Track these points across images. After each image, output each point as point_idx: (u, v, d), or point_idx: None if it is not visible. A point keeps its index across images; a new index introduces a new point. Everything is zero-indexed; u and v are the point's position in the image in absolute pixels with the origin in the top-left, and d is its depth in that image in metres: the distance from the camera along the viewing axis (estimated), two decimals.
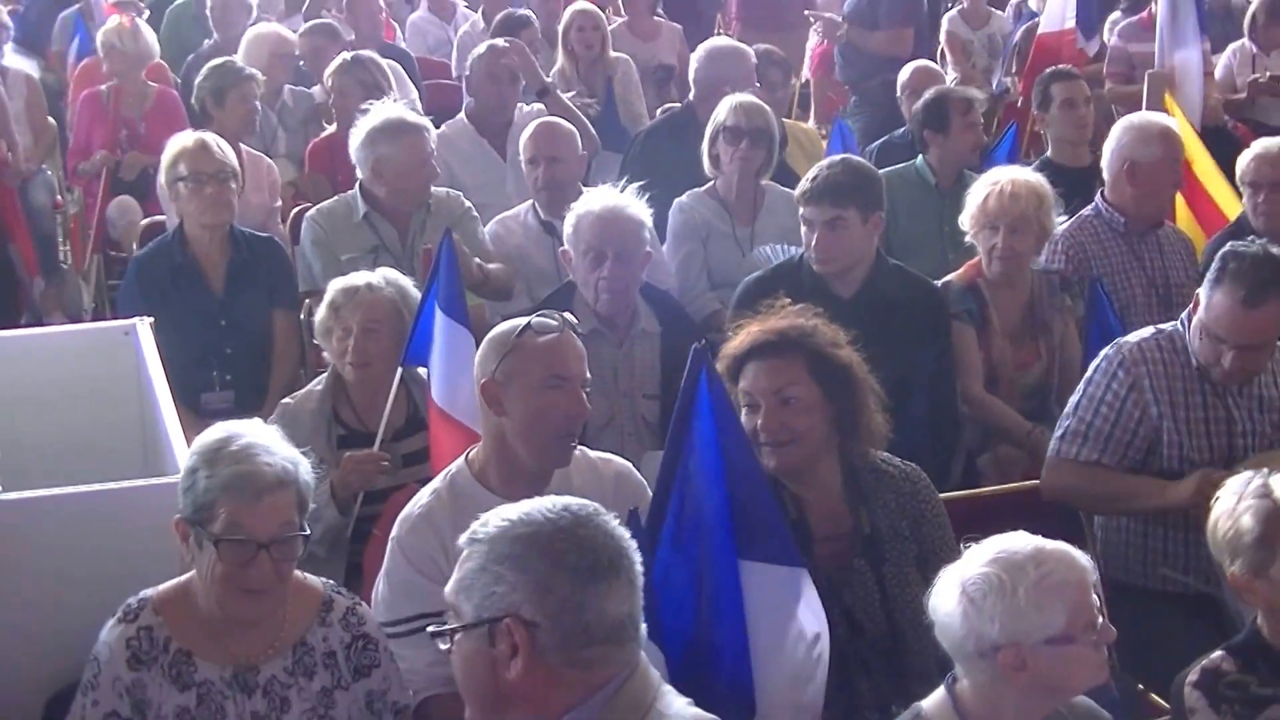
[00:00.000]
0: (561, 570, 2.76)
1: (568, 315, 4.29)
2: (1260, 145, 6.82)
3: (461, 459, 4.33)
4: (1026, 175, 6.11)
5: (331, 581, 4.02)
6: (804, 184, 5.83)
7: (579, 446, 4.40)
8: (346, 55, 8.42)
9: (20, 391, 4.88)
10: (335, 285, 5.41)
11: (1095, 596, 3.45)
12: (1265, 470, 3.93)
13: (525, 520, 2.81)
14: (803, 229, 5.84)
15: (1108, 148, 6.68)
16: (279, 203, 7.79)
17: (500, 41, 8.26)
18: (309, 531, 3.81)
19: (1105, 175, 6.68)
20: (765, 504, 3.98)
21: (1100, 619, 3.44)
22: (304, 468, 3.78)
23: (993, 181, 6.01)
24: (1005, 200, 5.91)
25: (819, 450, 4.35)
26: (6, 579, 4.25)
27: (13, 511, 4.30)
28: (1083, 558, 3.47)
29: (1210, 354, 4.90)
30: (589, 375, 4.25)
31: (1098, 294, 6.00)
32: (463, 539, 2.84)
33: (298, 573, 3.85)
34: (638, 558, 2.86)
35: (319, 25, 9.88)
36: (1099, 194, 6.70)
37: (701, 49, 8.31)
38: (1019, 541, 3.45)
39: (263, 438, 3.75)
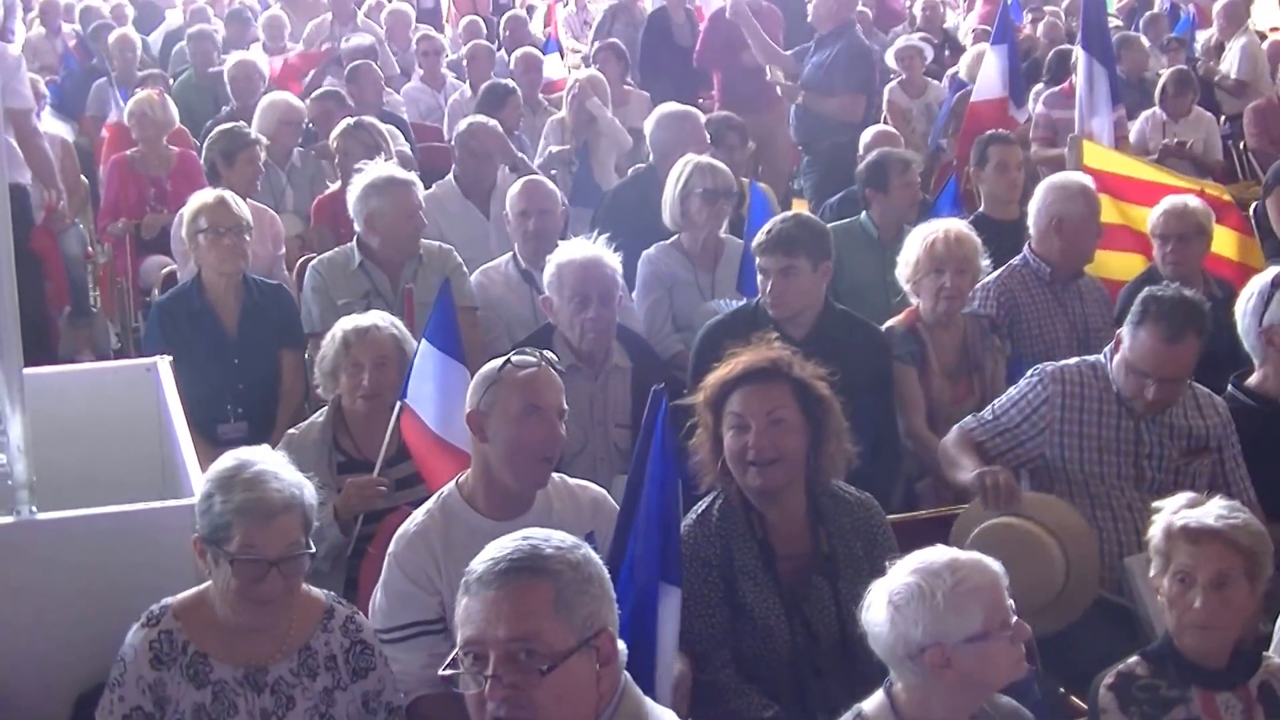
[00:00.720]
0: (611, 587, 2.85)
1: (547, 353, 4.33)
2: (1168, 201, 6.86)
3: (452, 483, 4.35)
4: (960, 224, 6.17)
5: (333, 593, 4.05)
6: (760, 236, 5.87)
7: (560, 475, 4.44)
8: (350, 120, 8.47)
9: (53, 422, 4.87)
10: (344, 325, 5.41)
11: (1008, 598, 3.49)
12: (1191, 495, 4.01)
13: (579, 545, 2.85)
14: (759, 276, 5.88)
15: (1034, 205, 6.73)
16: (282, 250, 7.82)
17: (479, 121, 8.29)
18: (314, 549, 3.83)
19: (1032, 230, 6.71)
20: (677, 535, 4.08)
21: (1014, 618, 3.48)
22: (309, 491, 3.82)
23: (930, 231, 6.04)
24: (952, 245, 5.96)
25: (797, 471, 4.38)
26: (41, 591, 4.29)
27: (46, 530, 4.34)
28: (994, 564, 3.51)
29: (1135, 387, 4.98)
30: (566, 406, 4.27)
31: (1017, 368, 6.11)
32: (479, 571, 2.82)
33: (303, 585, 3.88)
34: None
35: (326, 93, 9.98)
36: (1026, 246, 6.72)
37: (655, 115, 8.37)
38: (936, 554, 3.51)
39: (272, 465, 3.79)
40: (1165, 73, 11.26)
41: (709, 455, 4.41)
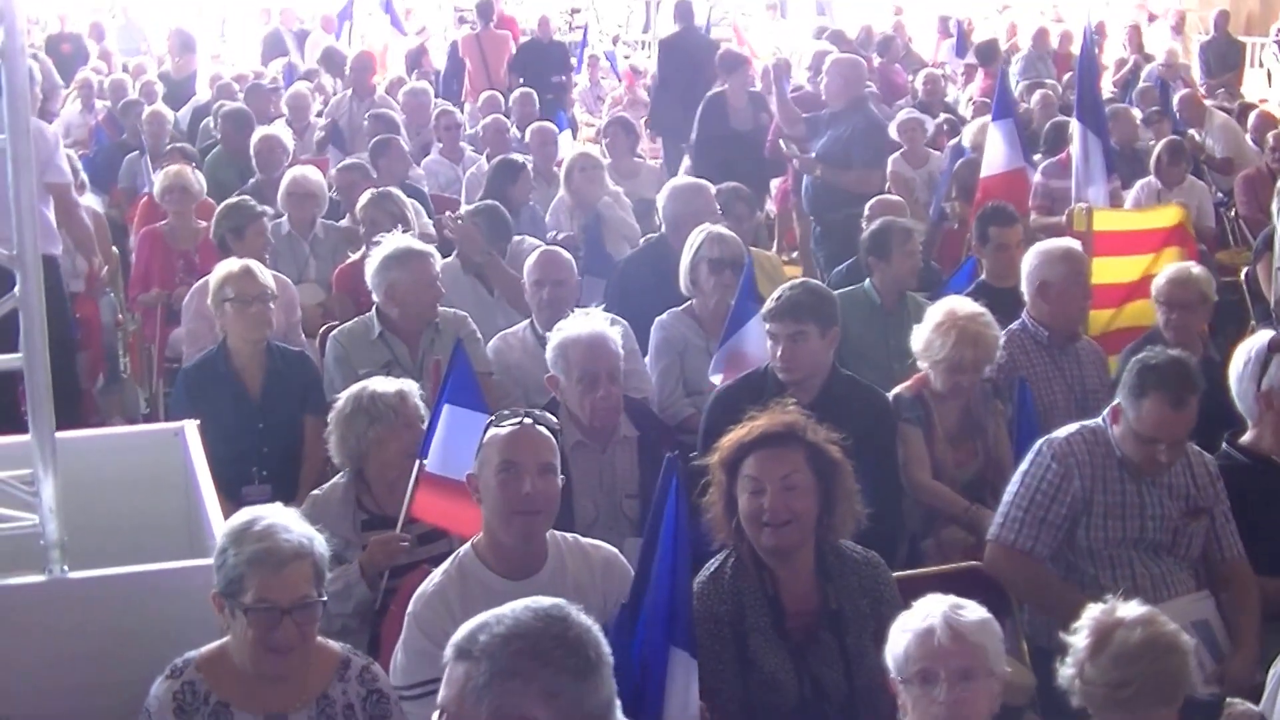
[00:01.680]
0: (562, 674, 2.72)
1: (543, 413, 4.39)
2: (1174, 269, 6.90)
3: (469, 544, 4.37)
4: (987, 320, 6.08)
5: (348, 645, 4.09)
6: (769, 303, 5.88)
7: (573, 535, 4.46)
8: (374, 190, 8.53)
9: (85, 484, 4.90)
10: (382, 388, 5.36)
11: (953, 656, 3.62)
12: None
13: (518, 633, 2.75)
14: (768, 342, 5.89)
15: (1023, 273, 6.78)
16: (298, 315, 7.84)
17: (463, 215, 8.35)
18: (325, 598, 3.87)
19: (1026, 296, 6.74)
20: (689, 599, 4.07)
21: (942, 680, 3.62)
22: (319, 543, 3.86)
23: (961, 328, 5.96)
24: (981, 350, 5.96)
25: (810, 532, 4.40)
26: (74, 645, 4.33)
27: (77, 589, 4.39)
28: (959, 623, 3.65)
29: (1146, 454, 4.99)
30: (552, 461, 4.26)
31: (1024, 394, 6.08)
32: (449, 652, 2.80)
33: (320, 638, 3.92)
34: (604, 641, 2.84)
35: (352, 164, 10.00)
36: (1024, 311, 6.75)
37: (667, 187, 8.42)
38: (937, 598, 3.65)
39: (281, 518, 3.84)
40: (1160, 143, 11.33)
41: (722, 514, 4.44)
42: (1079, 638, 3.88)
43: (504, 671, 2.72)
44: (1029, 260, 6.77)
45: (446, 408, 5.10)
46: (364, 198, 8.49)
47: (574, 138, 14.09)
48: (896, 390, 6.14)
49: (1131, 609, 3.87)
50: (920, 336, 6.09)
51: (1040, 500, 5.07)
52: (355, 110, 12.83)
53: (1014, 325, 6.67)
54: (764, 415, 4.51)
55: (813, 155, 10.38)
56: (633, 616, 4.01)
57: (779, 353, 5.79)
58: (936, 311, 6.11)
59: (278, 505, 3.99)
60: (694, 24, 14.03)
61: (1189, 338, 6.58)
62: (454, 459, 4.99)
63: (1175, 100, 14.51)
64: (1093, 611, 3.90)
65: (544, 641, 2.74)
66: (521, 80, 15.00)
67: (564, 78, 15.70)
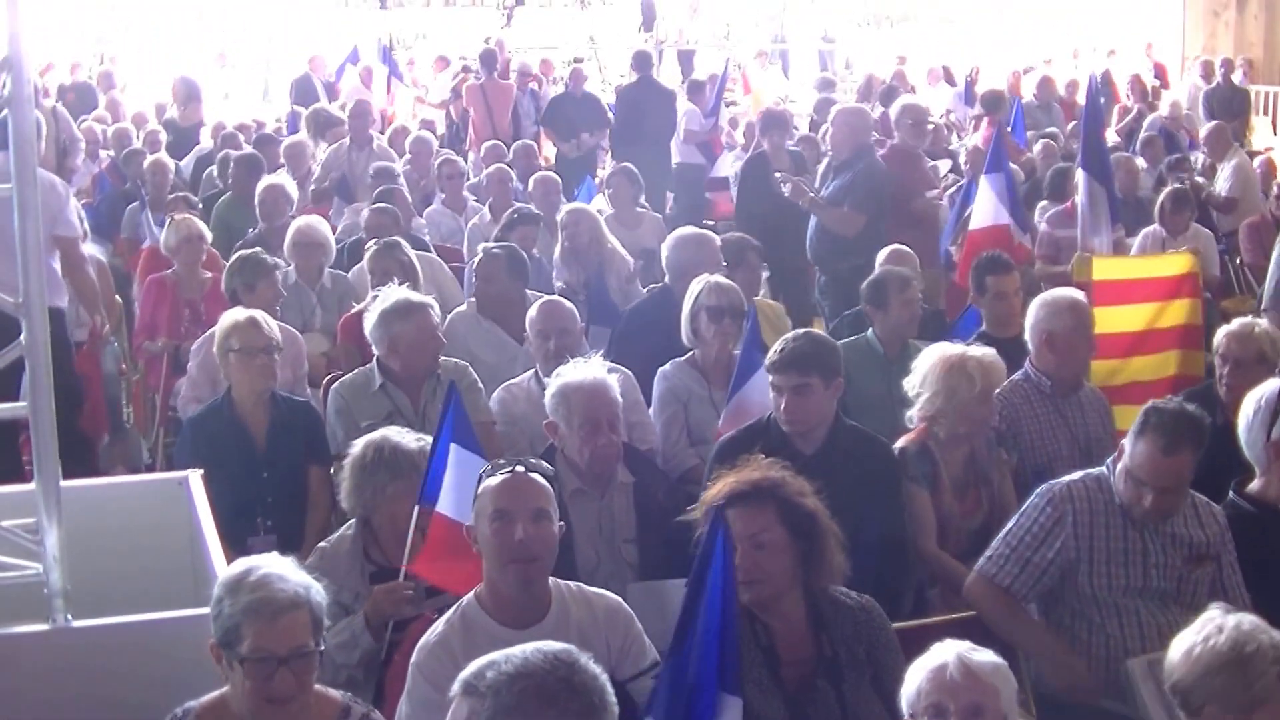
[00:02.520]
0: (565, 716, 2.77)
1: (536, 460, 4.43)
2: (1237, 323, 6.76)
3: (471, 593, 4.38)
4: (978, 348, 6.12)
5: (349, 694, 4.09)
6: (772, 354, 5.87)
7: (577, 584, 4.47)
8: (382, 240, 8.58)
9: (89, 534, 4.92)
10: (406, 443, 5.36)
11: (964, 691, 3.66)
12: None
13: (524, 672, 2.80)
14: (771, 394, 5.88)
15: (1028, 323, 6.77)
16: (305, 369, 7.86)
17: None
18: (324, 647, 3.88)
19: (1030, 347, 6.74)
20: (737, 646, 4.03)
21: (952, 714, 3.67)
22: (316, 591, 3.87)
23: (976, 361, 5.97)
24: (999, 375, 6.02)
25: (787, 586, 4.40)
26: (77, 693, 4.33)
27: (81, 637, 4.41)
28: (973, 662, 3.71)
29: (1133, 495, 5.00)
30: (546, 507, 4.29)
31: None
32: (456, 687, 2.84)
33: (318, 686, 3.92)
34: (610, 689, 2.87)
35: (383, 208, 10.01)
36: (1027, 360, 6.74)
37: (671, 238, 8.46)
38: (953, 641, 3.75)
39: (277, 567, 3.84)
40: (1164, 191, 11.37)
41: None
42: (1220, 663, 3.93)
43: (507, 709, 2.76)
44: (1034, 312, 6.75)
45: (454, 448, 5.09)
46: (371, 248, 8.53)
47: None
48: (901, 444, 6.11)
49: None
50: (938, 390, 6.01)
51: (1028, 541, 5.11)
52: (355, 159, 12.87)
53: (1017, 375, 6.66)
54: (732, 473, 4.52)
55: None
56: (674, 657, 3.98)
57: (783, 405, 5.78)
58: (939, 364, 6.04)
59: (274, 554, 3.98)
60: (651, 72, 14.16)
61: (1242, 397, 6.51)
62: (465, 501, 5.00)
63: (1203, 132, 14.56)
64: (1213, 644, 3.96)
65: (549, 682, 2.78)
66: (556, 135, 15.12)
67: (595, 134, 15.25)
